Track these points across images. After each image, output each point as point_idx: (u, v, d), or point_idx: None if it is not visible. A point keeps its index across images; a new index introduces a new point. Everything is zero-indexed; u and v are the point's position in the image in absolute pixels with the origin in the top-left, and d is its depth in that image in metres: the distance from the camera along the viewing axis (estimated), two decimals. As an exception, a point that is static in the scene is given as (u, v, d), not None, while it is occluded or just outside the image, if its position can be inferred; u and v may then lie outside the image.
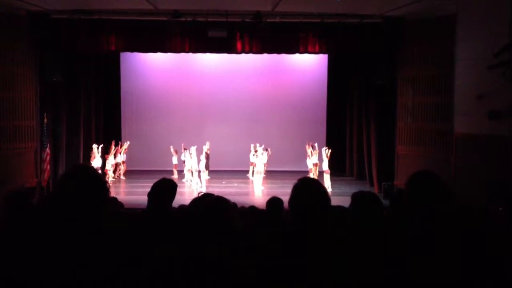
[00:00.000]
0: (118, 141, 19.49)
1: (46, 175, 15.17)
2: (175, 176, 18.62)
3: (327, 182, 16.59)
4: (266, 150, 18.47)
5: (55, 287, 2.14)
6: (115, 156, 18.48)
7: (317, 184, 2.75)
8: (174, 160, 19.09)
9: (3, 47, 13.56)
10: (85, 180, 2.23)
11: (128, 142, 19.61)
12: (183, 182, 17.56)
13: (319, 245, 2.50)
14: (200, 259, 2.45)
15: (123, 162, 19.15)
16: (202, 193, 3.83)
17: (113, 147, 18.51)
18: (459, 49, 13.06)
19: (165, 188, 3.87)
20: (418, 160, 14.10)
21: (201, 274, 2.42)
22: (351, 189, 16.43)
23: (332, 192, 16.33)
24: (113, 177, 18.30)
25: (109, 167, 17.71)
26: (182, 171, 18.49)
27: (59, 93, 16.12)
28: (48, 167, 15.31)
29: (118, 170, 18.81)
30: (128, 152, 20.42)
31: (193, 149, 17.61)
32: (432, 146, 14.02)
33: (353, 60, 17.62)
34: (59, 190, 2.26)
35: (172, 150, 19.03)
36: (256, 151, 18.19)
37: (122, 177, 18.93)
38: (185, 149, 18.40)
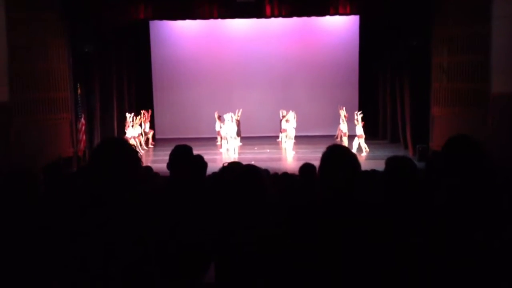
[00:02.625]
0: (148, 109, 19.62)
1: (82, 145, 15.47)
2: (218, 142, 18.58)
3: (362, 145, 16.46)
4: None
5: (93, 256, 2.19)
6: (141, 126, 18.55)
7: (347, 151, 2.70)
8: (217, 127, 18.79)
9: (35, 18, 13.65)
10: (115, 152, 2.25)
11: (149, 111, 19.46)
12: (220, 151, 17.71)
13: (350, 214, 2.48)
14: (233, 229, 2.47)
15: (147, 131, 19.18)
16: (227, 163, 3.80)
17: (141, 116, 18.61)
18: (495, 6, 12.57)
19: (179, 155, 3.84)
20: (454, 122, 13.80)
21: (235, 244, 2.44)
22: (384, 152, 16.30)
23: (366, 155, 16.21)
24: (144, 147, 18.45)
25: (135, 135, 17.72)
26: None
27: (91, 63, 16.28)
28: (84, 137, 15.59)
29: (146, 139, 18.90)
30: (160, 120, 20.63)
31: (228, 115, 17.63)
32: (468, 107, 13.66)
33: (386, 20, 17.17)
34: (91, 164, 2.29)
35: (216, 116, 18.78)
36: (283, 117, 18.05)
37: (150, 145, 19.13)
38: (219, 116, 18.41)
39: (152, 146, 19.32)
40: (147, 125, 19.20)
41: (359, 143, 16.57)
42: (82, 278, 2.17)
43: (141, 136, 18.40)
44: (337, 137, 18.31)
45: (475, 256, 2.46)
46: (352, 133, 17.23)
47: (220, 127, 18.34)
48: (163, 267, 2.28)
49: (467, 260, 2.46)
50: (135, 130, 17.83)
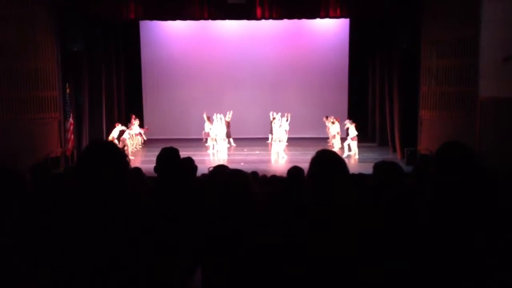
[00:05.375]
0: (137, 111, 19.63)
1: (70, 145, 15.38)
2: (207, 143, 18.36)
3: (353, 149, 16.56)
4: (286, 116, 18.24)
5: (77, 257, 2.18)
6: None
7: (336, 156, 2.71)
8: (207, 128, 18.56)
9: (24, 17, 13.57)
10: (104, 155, 2.25)
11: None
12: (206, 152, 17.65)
13: (339, 218, 2.49)
14: (221, 234, 2.47)
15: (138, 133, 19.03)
16: (212, 167, 3.81)
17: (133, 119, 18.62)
18: (484, 10, 12.67)
19: (165, 158, 3.84)
20: (442, 125, 13.90)
21: (223, 249, 2.44)
22: (373, 155, 16.38)
23: (355, 159, 16.27)
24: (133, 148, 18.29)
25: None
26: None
27: (81, 63, 16.20)
28: (72, 136, 15.50)
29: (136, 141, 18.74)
30: (149, 121, 20.58)
31: (217, 116, 17.64)
32: (457, 110, 13.77)
33: (376, 23, 17.27)
34: (79, 166, 2.29)
35: (205, 116, 18.69)
36: (274, 118, 18.06)
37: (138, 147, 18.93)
38: (208, 117, 18.34)
39: (140, 147, 19.14)
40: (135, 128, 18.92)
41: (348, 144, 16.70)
42: (66, 279, 2.16)
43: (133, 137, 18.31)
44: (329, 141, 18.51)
45: (467, 257, 2.48)
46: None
47: (210, 128, 18.30)
48: (149, 271, 2.28)
49: (458, 261, 2.48)
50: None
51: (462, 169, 2.62)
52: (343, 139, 17.34)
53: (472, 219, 2.53)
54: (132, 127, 18.44)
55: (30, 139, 13.55)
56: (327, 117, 18.55)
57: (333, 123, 17.89)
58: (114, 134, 17.29)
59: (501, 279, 2.36)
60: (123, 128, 17.47)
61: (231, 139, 18.64)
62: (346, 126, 16.91)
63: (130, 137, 17.90)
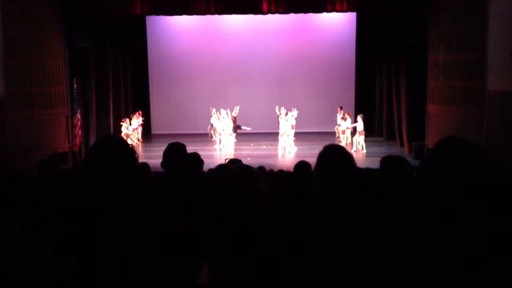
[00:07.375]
0: (144, 106, 19.81)
1: (78, 140, 15.44)
2: (214, 138, 18.39)
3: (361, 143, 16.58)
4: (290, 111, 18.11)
5: (88, 253, 2.19)
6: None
7: (344, 151, 2.70)
8: (214, 123, 18.46)
9: (31, 14, 13.61)
10: (112, 150, 2.25)
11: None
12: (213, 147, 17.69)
13: (345, 215, 2.49)
14: (227, 229, 2.47)
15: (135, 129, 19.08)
16: (229, 159, 3.82)
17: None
18: (492, 4, 12.59)
19: (171, 153, 3.85)
20: (450, 119, 13.84)
21: (229, 244, 2.44)
22: (380, 149, 16.35)
23: (364, 153, 16.26)
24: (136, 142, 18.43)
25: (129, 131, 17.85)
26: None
27: (88, 58, 16.23)
28: (80, 132, 15.56)
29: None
30: (156, 116, 20.68)
31: (223, 112, 17.65)
32: (464, 105, 13.70)
33: (383, 18, 17.16)
34: (87, 162, 2.29)
35: (213, 111, 18.57)
36: (280, 113, 17.98)
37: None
38: (215, 112, 18.34)
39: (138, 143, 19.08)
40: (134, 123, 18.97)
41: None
42: (75, 278, 2.16)
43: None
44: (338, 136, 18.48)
45: (475, 256, 2.46)
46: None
47: (217, 123, 18.29)
48: (156, 267, 2.28)
49: (464, 260, 2.47)
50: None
51: (462, 163, 2.60)
52: (352, 134, 17.36)
53: (478, 214, 2.51)
54: (132, 122, 18.46)
55: (38, 135, 13.60)
56: (341, 108, 18.38)
57: (344, 119, 17.82)
58: (128, 131, 17.38)
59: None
60: (127, 123, 17.65)
61: (239, 129, 18.54)
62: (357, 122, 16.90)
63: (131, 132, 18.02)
